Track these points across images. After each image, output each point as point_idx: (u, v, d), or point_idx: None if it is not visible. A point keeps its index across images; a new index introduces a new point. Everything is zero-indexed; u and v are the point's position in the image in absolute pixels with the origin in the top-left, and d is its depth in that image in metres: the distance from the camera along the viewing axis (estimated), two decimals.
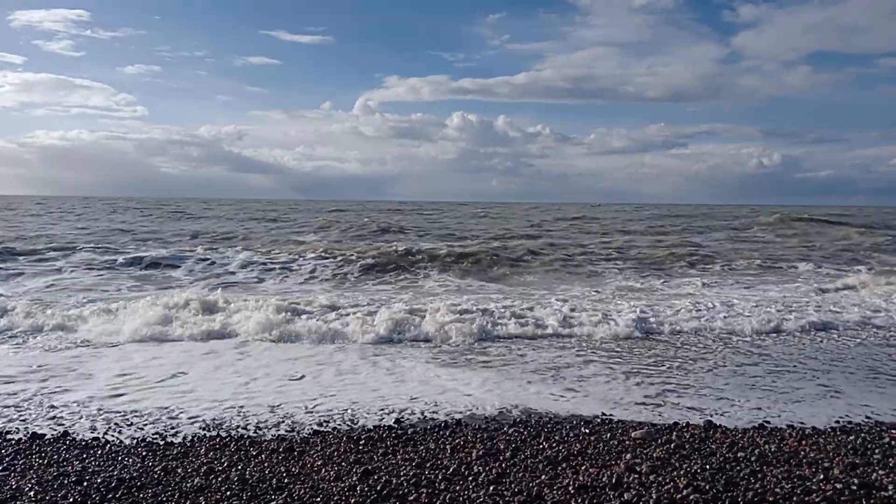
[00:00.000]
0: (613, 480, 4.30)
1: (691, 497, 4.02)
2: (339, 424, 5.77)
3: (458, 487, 4.26)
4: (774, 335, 9.89)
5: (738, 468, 4.56)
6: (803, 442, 5.18)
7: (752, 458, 4.77)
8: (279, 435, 5.48)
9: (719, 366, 8.01)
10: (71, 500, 4.07)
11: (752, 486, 4.23)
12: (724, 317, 10.81)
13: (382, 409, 6.19)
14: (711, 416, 6.06)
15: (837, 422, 5.92)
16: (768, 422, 5.89)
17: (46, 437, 5.33)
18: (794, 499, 4.01)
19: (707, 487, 4.18)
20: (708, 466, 4.59)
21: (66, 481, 4.38)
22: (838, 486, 4.20)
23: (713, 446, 5.07)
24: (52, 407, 6.13)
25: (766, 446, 5.05)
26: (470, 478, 4.43)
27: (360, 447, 5.11)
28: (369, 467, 4.62)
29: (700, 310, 11.40)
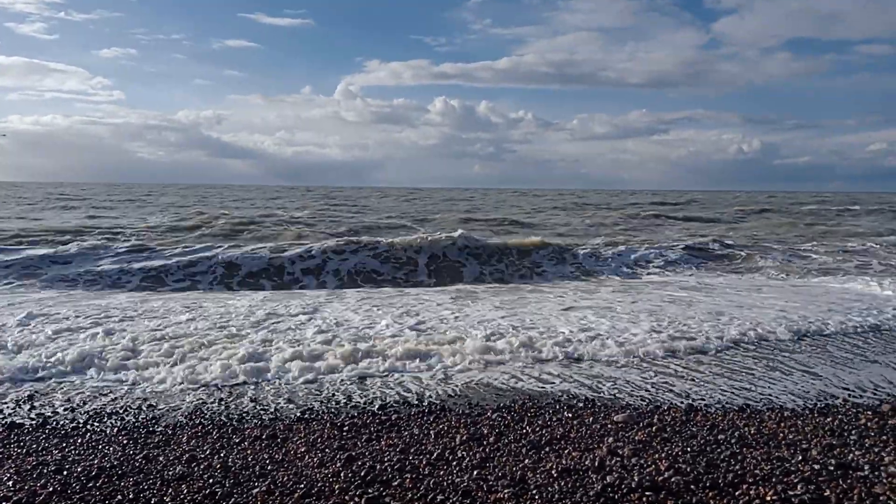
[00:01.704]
0: (596, 464, 4.33)
1: (673, 479, 4.07)
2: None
3: (442, 472, 4.27)
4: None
5: (719, 450, 4.62)
6: (782, 424, 5.25)
7: (733, 441, 4.83)
8: (262, 422, 5.44)
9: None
10: (50, 488, 4.03)
11: (732, 467, 4.29)
12: None
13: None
14: (693, 399, 6.13)
15: (815, 404, 6.01)
16: (748, 404, 5.96)
17: (26, 427, 5.26)
18: (773, 479, 4.07)
19: (688, 469, 4.23)
20: (689, 449, 4.64)
21: (45, 470, 4.32)
22: (816, 466, 4.28)
23: (694, 429, 5.13)
24: None
25: (746, 428, 5.12)
26: (454, 462, 4.44)
27: (344, 433, 5.10)
28: (353, 453, 4.62)
29: None
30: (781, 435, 4.97)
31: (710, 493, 3.91)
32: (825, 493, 3.87)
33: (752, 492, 3.91)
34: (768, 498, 3.83)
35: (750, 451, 4.62)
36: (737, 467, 4.29)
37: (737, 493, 3.90)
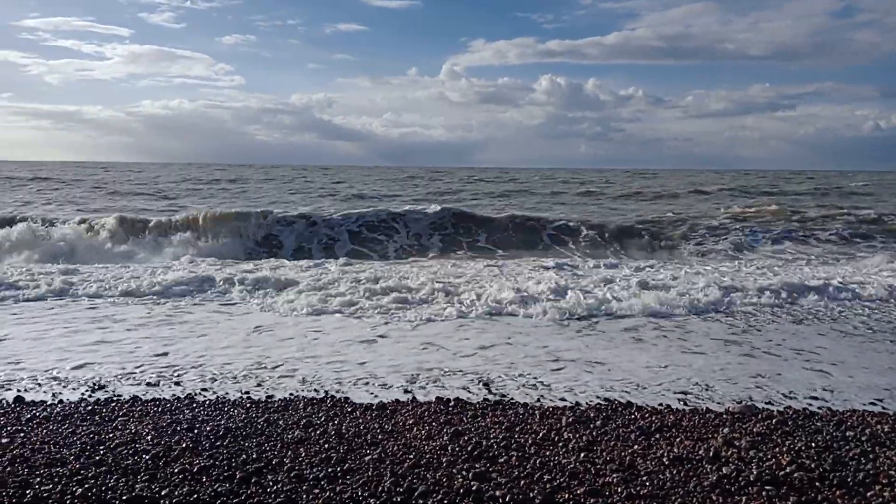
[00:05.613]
0: (711, 454, 4.17)
1: (795, 475, 3.84)
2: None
3: (548, 452, 4.26)
4: None
5: (847, 447, 4.32)
6: None
7: (863, 438, 4.50)
8: (373, 393, 5.63)
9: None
10: (184, 445, 4.37)
11: (862, 466, 3.99)
12: None
13: None
14: (815, 392, 5.75)
15: None
16: (880, 399, 5.52)
17: (160, 388, 5.73)
18: None
19: (812, 466, 3.98)
20: (813, 444, 4.36)
21: (178, 428, 4.69)
22: None
23: (818, 424, 4.81)
24: None
25: (878, 426, 4.75)
26: (560, 444, 4.41)
27: (450, 409, 5.18)
28: (459, 428, 4.69)
29: None
30: None
31: (838, 492, 3.66)
32: None
33: (886, 493, 3.63)
34: None
35: (883, 450, 4.29)
36: (868, 466, 3.99)
37: (868, 494, 3.63)
